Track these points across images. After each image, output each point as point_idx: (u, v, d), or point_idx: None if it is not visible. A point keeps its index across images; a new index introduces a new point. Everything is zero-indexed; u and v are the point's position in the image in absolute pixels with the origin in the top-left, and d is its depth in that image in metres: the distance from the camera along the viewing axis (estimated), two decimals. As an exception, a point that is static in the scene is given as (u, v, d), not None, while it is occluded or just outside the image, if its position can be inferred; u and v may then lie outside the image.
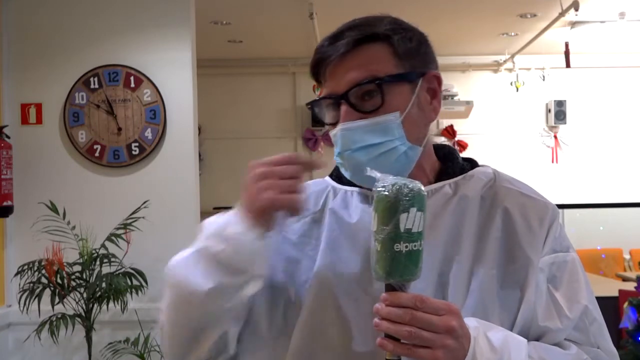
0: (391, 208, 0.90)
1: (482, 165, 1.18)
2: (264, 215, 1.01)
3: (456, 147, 6.71)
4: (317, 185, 1.20)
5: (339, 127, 1.06)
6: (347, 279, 1.07)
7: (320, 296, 1.07)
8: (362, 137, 1.05)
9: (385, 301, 0.91)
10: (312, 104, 1.12)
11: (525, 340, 1.00)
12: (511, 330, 1.03)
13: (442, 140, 6.75)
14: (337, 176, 1.19)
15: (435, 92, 1.13)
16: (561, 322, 1.05)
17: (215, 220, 1.07)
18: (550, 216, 1.10)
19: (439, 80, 1.13)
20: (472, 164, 1.18)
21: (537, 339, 1.06)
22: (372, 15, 1.12)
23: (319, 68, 1.10)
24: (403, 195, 0.90)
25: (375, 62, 1.06)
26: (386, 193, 0.90)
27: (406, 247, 0.90)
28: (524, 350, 0.98)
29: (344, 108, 1.05)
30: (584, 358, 1.05)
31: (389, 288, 0.93)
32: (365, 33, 1.07)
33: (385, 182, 0.92)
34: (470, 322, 0.97)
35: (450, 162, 1.16)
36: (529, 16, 5.08)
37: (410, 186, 0.91)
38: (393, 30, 1.08)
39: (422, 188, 0.92)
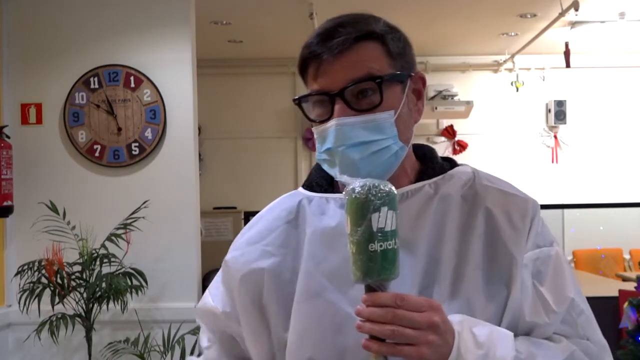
0: (362, 208, 0.91)
1: (461, 165, 1.18)
2: None
3: (456, 147, 6.72)
4: (291, 197, 1.20)
5: (334, 121, 1.04)
6: (330, 284, 1.07)
7: (304, 305, 1.07)
8: (357, 133, 1.04)
9: (365, 302, 0.92)
10: (300, 99, 1.10)
11: (512, 334, 1.00)
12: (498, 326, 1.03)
13: (442, 140, 6.75)
14: (309, 186, 1.19)
15: (420, 94, 1.13)
16: (548, 317, 1.05)
17: None
18: (531, 212, 1.11)
19: (423, 82, 1.14)
20: (451, 163, 1.18)
21: (526, 335, 1.05)
22: (358, 13, 1.11)
23: (309, 65, 1.08)
24: (373, 195, 0.91)
25: (371, 61, 1.05)
26: (356, 194, 0.92)
27: (381, 246, 0.90)
28: (510, 343, 0.98)
29: (338, 105, 1.04)
30: (573, 349, 1.05)
31: (369, 289, 0.93)
32: (362, 31, 1.06)
33: (355, 184, 0.93)
34: (455, 318, 0.97)
35: (431, 162, 1.16)
36: (529, 16, 5.08)
37: (379, 186, 0.92)
38: (386, 30, 1.09)
39: (393, 187, 0.93)
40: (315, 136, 1.09)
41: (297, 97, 1.11)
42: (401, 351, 0.91)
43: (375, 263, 0.91)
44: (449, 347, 0.93)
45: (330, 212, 1.12)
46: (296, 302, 1.08)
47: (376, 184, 0.92)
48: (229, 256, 1.20)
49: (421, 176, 1.14)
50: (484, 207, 1.09)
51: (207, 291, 1.25)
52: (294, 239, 1.13)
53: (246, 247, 1.16)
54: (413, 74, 1.11)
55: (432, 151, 1.19)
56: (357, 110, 1.04)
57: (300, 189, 1.21)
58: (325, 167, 1.10)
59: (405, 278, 1.00)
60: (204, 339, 1.25)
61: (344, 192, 0.94)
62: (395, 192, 0.93)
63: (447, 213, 1.08)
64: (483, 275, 1.05)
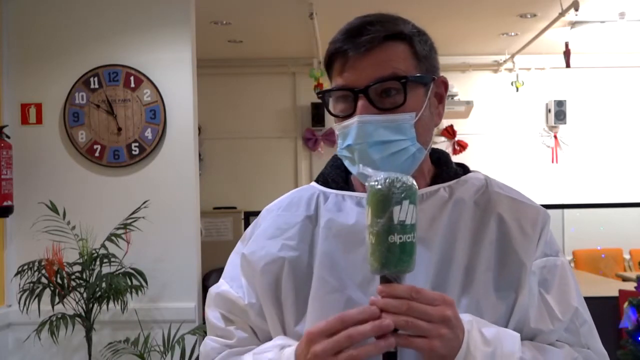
0: (385, 200, 0.92)
1: (474, 171, 1.20)
2: None
3: (456, 147, 6.72)
4: (306, 190, 1.21)
5: (356, 118, 1.05)
6: (347, 281, 1.07)
7: (322, 300, 1.07)
8: (378, 132, 1.05)
9: (381, 293, 0.94)
10: (324, 93, 1.11)
11: (518, 334, 1.03)
12: None
13: (442, 140, 6.75)
14: (323, 181, 1.19)
15: (442, 97, 1.15)
16: (553, 324, 1.08)
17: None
18: (541, 221, 1.13)
19: (445, 86, 1.15)
20: (464, 169, 1.20)
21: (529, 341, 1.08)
22: (386, 13, 1.12)
23: (335, 60, 1.09)
24: (396, 188, 0.93)
25: (398, 61, 1.06)
26: (379, 186, 0.93)
27: (400, 238, 0.92)
28: (517, 343, 1.01)
29: (361, 102, 1.05)
30: (575, 356, 1.08)
31: (385, 280, 0.95)
32: (390, 31, 1.07)
33: (378, 176, 0.95)
34: (465, 317, 0.99)
35: (445, 167, 1.18)
36: (529, 16, 5.08)
37: (402, 180, 0.94)
38: (414, 32, 1.10)
39: (414, 182, 0.95)
40: (336, 132, 1.10)
41: (320, 90, 1.12)
42: (413, 343, 0.93)
43: (393, 254, 0.92)
44: (459, 342, 0.95)
45: (347, 210, 1.13)
46: (313, 296, 1.08)
47: (399, 177, 0.94)
48: (247, 250, 1.18)
49: (435, 180, 1.15)
50: (496, 214, 1.11)
51: (221, 280, 1.22)
52: (310, 234, 1.13)
53: (266, 241, 1.16)
54: (436, 78, 1.12)
55: (446, 156, 1.21)
56: (379, 109, 1.05)
57: (314, 184, 1.21)
58: (346, 163, 1.11)
59: (419, 276, 1.01)
60: (221, 320, 1.18)
61: (366, 183, 0.96)
62: (417, 187, 0.95)
63: (461, 217, 1.10)
64: (493, 279, 1.06)
